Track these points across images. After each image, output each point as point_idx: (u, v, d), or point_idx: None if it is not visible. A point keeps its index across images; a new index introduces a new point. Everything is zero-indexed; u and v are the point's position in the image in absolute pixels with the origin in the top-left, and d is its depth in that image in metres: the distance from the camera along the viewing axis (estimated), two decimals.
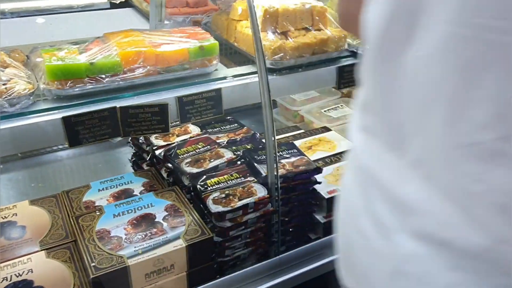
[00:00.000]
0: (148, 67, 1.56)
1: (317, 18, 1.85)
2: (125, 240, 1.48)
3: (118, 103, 1.48)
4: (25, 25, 2.40)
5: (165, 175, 1.92)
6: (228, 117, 2.26)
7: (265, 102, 1.57)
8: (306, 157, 1.80)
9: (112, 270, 1.38)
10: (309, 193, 1.76)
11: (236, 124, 2.18)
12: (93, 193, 1.86)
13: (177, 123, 1.69)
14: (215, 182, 1.66)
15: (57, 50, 1.54)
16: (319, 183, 1.77)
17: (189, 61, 1.63)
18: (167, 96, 1.57)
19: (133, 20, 2.76)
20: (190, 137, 1.97)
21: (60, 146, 2.49)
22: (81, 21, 2.64)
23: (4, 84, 1.40)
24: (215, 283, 1.58)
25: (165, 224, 1.55)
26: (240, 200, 1.57)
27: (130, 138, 2.26)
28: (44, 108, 1.42)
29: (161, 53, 1.57)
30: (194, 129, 2.05)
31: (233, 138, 2.03)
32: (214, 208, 1.54)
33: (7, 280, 1.46)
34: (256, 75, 1.65)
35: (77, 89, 1.46)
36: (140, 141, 2.08)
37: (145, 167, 2.12)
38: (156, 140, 1.95)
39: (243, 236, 1.61)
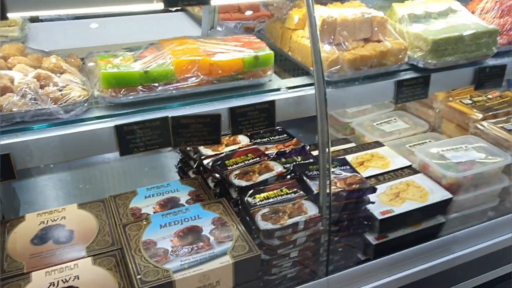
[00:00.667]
0: (202, 76, 1.52)
1: (376, 29, 1.77)
2: (171, 253, 1.45)
3: (170, 113, 1.45)
4: (80, 28, 2.43)
5: (211, 185, 1.89)
6: (277, 127, 2.20)
7: (321, 116, 1.51)
8: (359, 175, 1.72)
9: (157, 284, 1.35)
10: (361, 212, 1.68)
11: (285, 135, 2.12)
12: (139, 199, 1.85)
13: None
14: (264, 197, 1.61)
15: (112, 57, 1.52)
16: (373, 203, 1.68)
17: (243, 71, 1.58)
18: (220, 107, 1.53)
19: (185, 25, 2.76)
20: (239, 148, 1.93)
21: None
22: (134, 24, 2.66)
23: (60, 90, 1.40)
24: None
25: (211, 238, 1.51)
26: (290, 217, 1.51)
27: None
28: (97, 115, 1.41)
29: (215, 62, 1.53)
30: (243, 139, 2.01)
31: (282, 150, 1.98)
32: (263, 225, 1.49)
33: (54, 285, 1.46)
34: (311, 87, 1.60)
35: (130, 97, 1.44)
36: (188, 148, 2.05)
37: (191, 174, 2.09)
38: (205, 150, 1.92)
39: (291, 255, 1.55)
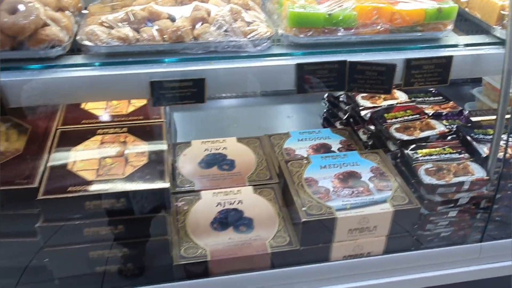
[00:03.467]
0: (382, 24, 1.52)
1: None
2: (333, 193, 1.51)
3: (348, 57, 1.48)
4: None
5: (364, 137, 1.91)
6: (431, 89, 2.14)
7: (507, 78, 1.43)
8: None
9: (321, 218, 1.42)
10: None
11: (441, 97, 2.05)
12: (293, 141, 1.93)
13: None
14: (427, 153, 1.59)
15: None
16: None
17: (423, 23, 1.54)
18: (395, 57, 1.52)
19: None
20: (398, 103, 1.91)
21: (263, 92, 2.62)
22: None
23: (248, 25, 1.48)
24: (411, 254, 1.55)
25: (371, 185, 1.54)
26: (455, 176, 1.49)
27: (326, 94, 2.28)
28: (281, 52, 1.47)
29: (398, 11, 1.51)
30: (401, 95, 1.98)
31: (438, 111, 1.92)
32: (427, 179, 1.48)
33: (220, 205, 1.60)
34: (492, 46, 1.52)
35: (312, 38, 1.48)
36: (341, 99, 2.08)
37: (338, 125, 2.13)
38: (363, 101, 1.93)
39: (449, 214, 1.53)
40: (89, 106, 1.62)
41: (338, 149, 1.86)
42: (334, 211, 1.44)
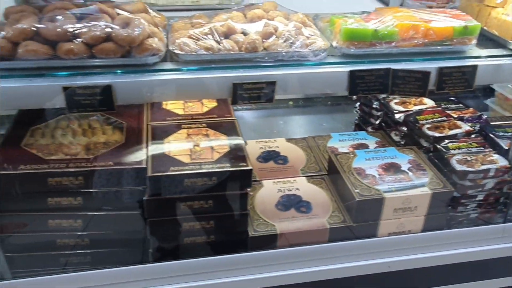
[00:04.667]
0: (418, 38, 1.82)
1: None
2: (379, 179, 1.79)
3: (391, 66, 1.78)
4: None
5: (396, 138, 2.19)
6: (452, 98, 2.44)
7: None
8: None
9: (372, 198, 1.70)
10: None
11: (461, 105, 2.36)
12: (334, 141, 2.22)
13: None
14: (456, 147, 1.88)
15: (346, 18, 1.88)
16: None
17: (452, 38, 1.85)
18: (429, 66, 1.82)
19: (362, 1, 3.06)
20: (426, 108, 2.20)
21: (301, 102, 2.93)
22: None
23: (308, 38, 1.79)
24: (444, 232, 1.81)
25: (410, 173, 1.83)
26: (482, 164, 1.77)
27: (358, 103, 2.57)
28: (336, 61, 1.77)
29: (431, 28, 1.82)
30: (428, 102, 2.28)
31: (461, 115, 2.21)
32: (459, 167, 1.77)
33: (281, 191, 1.88)
34: (508, 58, 1.83)
35: (361, 50, 1.78)
36: (374, 106, 2.37)
37: (370, 130, 2.42)
38: (396, 106, 2.23)
39: (478, 197, 1.81)
40: (170, 107, 1.91)
41: (375, 148, 2.14)
42: (382, 192, 1.72)
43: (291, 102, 3.03)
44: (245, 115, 2.86)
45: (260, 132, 2.69)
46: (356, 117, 2.59)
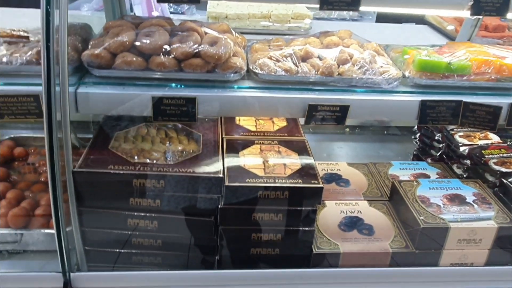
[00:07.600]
0: (490, 73, 1.86)
1: None
2: (443, 208, 1.81)
3: (463, 98, 1.81)
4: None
5: (458, 171, 2.21)
6: None
7: None
8: None
9: (437, 226, 1.72)
10: None
11: None
12: (395, 169, 2.25)
13: None
14: None
15: (419, 49, 1.94)
16: None
17: None
18: (501, 101, 1.84)
19: (426, 35, 3.12)
20: (492, 143, 2.21)
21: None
22: (384, 31, 3.09)
23: (381, 67, 1.85)
24: (509, 268, 1.80)
25: (475, 205, 1.84)
26: None
27: (418, 134, 2.60)
28: (408, 90, 1.82)
29: (505, 64, 1.85)
30: (493, 137, 2.29)
31: None
32: None
33: (343, 212, 1.92)
34: None
35: (433, 81, 1.83)
36: (437, 137, 2.40)
37: (429, 161, 2.43)
38: (460, 139, 2.24)
39: None
40: (242, 123, 2.00)
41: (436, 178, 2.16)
42: (447, 222, 1.74)
43: (347, 129, 3.08)
44: None
45: (318, 155, 2.75)
46: (415, 148, 2.61)
